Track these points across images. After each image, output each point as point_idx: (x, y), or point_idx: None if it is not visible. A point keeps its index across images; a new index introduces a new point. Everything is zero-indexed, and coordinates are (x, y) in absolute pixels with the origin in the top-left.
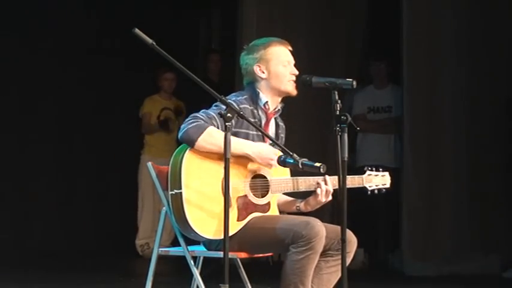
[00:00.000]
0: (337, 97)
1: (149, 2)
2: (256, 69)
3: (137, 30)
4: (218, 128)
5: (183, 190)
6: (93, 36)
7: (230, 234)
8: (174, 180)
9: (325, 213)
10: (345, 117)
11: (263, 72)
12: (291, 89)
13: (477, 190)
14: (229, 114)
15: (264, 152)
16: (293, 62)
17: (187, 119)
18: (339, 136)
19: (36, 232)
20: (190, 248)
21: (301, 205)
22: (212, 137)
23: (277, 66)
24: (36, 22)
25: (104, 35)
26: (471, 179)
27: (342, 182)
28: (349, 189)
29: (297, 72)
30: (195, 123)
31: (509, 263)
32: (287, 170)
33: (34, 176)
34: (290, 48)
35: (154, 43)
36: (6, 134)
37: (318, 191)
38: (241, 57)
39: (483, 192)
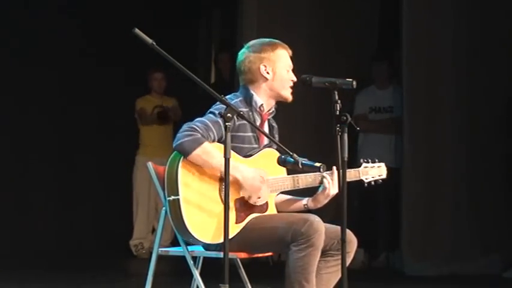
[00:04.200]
0: (337, 97)
1: (149, 2)
2: (261, 68)
3: (137, 30)
4: (215, 138)
5: (181, 196)
6: (89, 36)
7: (229, 237)
8: (171, 186)
9: (328, 212)
10: (344, 117)
11: (268, 73)
12: (289, 94)
13: (477, 190)
14: (229, 114)
15: (251, 179)
16: (292, 67)
17: (183, 129)
18: (338, 136)
19: (35, 233)
20: (190, 248)
21: (309, 202)
22: (206, 153)
23: (282, 70)
24: (34, 28)
25: (101, 36)
26: (471, 179)
27: (342, 182)
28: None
29: (295, 79)
30: (191, 137)
31: (509, 263)
32: (283, 169)
33: (33, 176)
34: (291, 54)
35: (154, 43)
36: (6, 135)
37: (325, 183)
38: (242, 54)
39: (483, 192)
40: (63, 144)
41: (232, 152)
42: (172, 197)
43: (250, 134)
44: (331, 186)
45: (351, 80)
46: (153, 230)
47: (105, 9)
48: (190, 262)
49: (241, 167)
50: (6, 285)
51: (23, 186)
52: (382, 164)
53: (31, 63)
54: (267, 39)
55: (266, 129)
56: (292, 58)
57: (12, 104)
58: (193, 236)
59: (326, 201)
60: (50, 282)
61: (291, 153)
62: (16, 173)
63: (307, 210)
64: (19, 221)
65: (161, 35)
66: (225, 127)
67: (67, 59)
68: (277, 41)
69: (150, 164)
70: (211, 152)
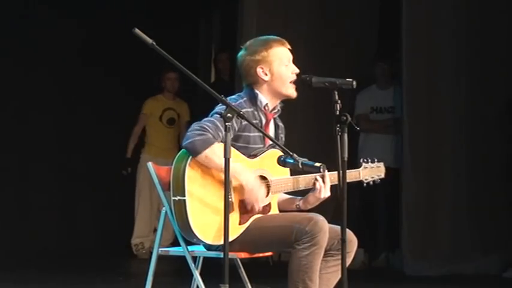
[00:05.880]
0: (337, 97)
1: (149, 2)
2: (259, 71)
3: (137, 30)
4: (223, 138)
5: (187, 198)
6: (89, 36)
7: (232, 238)
8: (177, 186)
9: (328, 212)
10: (344, 117)
11: (266, 75)
12: (292, 91)
13: (477, 190)
14: (229, 115)
15: (255, 189)
16: (292, 58)
17: (193, 128)
18: (338, 136)
19: (35, 233)
20: (190, 248)
21: (300, 203)
22: (215, 155)
23: (280, 67)
24: (32, 28)
25: (102, 36)
26: (471, 179)
27: (342, 182)
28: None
29: (297, 70)
30: (202, 136)
31: (509, 263)
32: (287, 170)
33: (33, 176)
34: (289, 47)
35: (154, 43)
36: (6, 135)
37: (317, 185)
38: (241, 57)
39: (483, 192)
40: (63, 144)
41: (237, 152)
42: (178, 198)
43: (255, 134)
44: (323, 189)
45: (351, 80)
46: (155, 230)
47: (105, 10)
48: (191, 262)
49: (246, 173)
50: (6, 285)
51: (23, 186)
52: (381, 164)
53: (31, 63)
54: (262, 38)
55: (272, 128)
56: (291, 50)
57: (12, 105)
58: (197, 237)
59: (316, 203)
60: (50, 282)
61: (291, 153)
62: (16, 173)
63: (298, 210)
64: (19, 221)
65: (161, 35)
66: (225, 127)
67: (67, 58)
68: (271, 37)
69: (150, 164)
70: (219, 155)
